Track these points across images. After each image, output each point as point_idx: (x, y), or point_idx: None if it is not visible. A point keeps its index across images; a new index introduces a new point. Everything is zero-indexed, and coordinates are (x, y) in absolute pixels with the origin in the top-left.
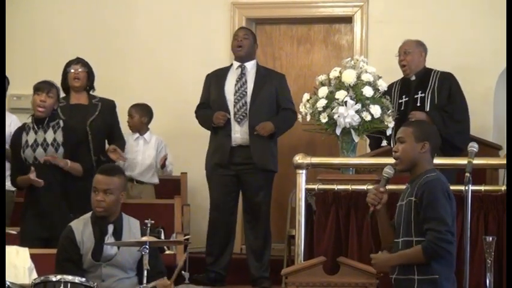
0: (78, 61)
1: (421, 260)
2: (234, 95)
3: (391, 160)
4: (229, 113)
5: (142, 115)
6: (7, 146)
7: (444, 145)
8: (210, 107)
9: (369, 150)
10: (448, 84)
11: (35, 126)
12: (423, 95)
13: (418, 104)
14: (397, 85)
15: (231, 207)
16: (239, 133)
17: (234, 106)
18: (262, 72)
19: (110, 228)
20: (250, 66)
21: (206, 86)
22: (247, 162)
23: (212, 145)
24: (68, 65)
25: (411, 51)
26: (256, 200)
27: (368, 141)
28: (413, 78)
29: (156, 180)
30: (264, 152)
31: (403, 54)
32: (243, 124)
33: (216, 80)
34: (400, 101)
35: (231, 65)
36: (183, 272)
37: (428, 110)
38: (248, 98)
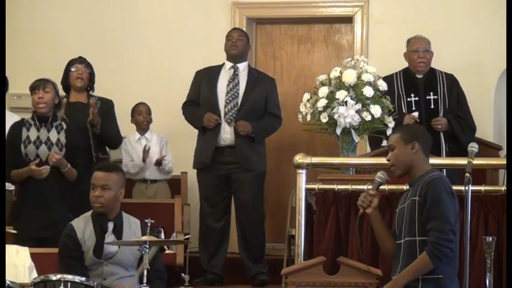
0: (82, 61)
1: (428, 265)
2: (226, 96)
3: None
4: (219, 113)
5: (150, 113)
6: None
7: (458, 149)
8: (199, 105)
9: (369, 149)
10: (456, 87)
11: (37, 123)
12: (436, 97)
13: (432, 106)
14: (400, 79)
15: (223, 206)
16: (229, 134)
17: (225, 107)
18: (254, 75)
19: (110, 225)
20: (243, 67)
21: (196, 82)
22: (236, 162)
23: (199, 144)
24: (71, 63)
25: (429, 50)
26: (246, 199)
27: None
28: (420, 76)
29: (168, 176)
30: (249, 152)
31: (424, 52)
32: (232, 125)
33: (207, 78)
34: (409, 99)
35: (223, 64)
36: (182, 274)
37: (442, 113)
38: (239, 100)
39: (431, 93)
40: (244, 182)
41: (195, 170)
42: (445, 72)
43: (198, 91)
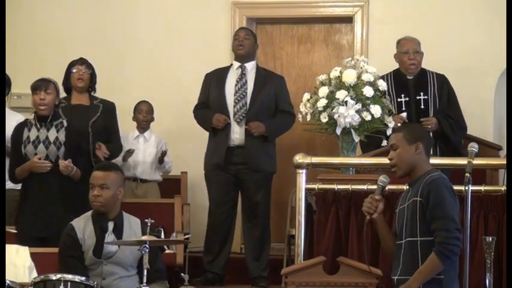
0: (83, 62)
1: (438, 265)
2: (234, 96)
3: None
4: (228, 113)
5: (151, 112)
6: (8, 143)
7: (448, 149)
8: (209, 107)
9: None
10: (447, 87)
11: (38, 124)
12: (426, 97)
13: (422, 106)
14: (390, 81)
15: (230, 207)
16: (238, 134)
17: (234, 106)
18: (262, 74)
19: (110, 225)
20: (251, 66)
21: (205, 85)
22: (245, 162)
23: (211, 145)
24: (72, 65)
25: (419, 51)
26: (254, 200)
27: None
28: (410, 77)
29: (159, 177)
30: (260, 152)
31: (414, 53)
32: (242, 125)
33: (216, 79)
34: (399, 100)
35: (231, 65)
36: (182, 274)
37: (432, 113)
38: (248, 99)
39: (422, 94)
40: (253, 182)
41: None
42: (435, 73)
43: (207, 93)
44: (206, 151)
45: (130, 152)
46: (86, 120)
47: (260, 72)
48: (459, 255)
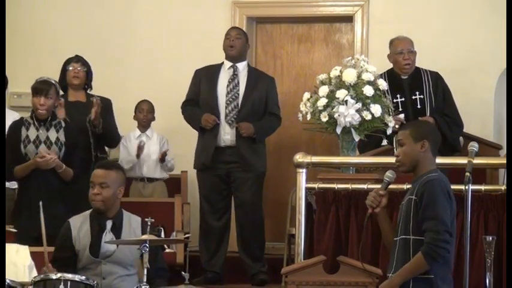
0: (78, 59)
1: (424, 265)
2: (226, 97)
3: (392, 159)
4: (219, 114)
5: (152, 112)
6: None
7: (446, 148)
8: (198, 104)
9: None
10: (441, 85)
11: (36, 123)
12: (422, 96)
13: (418, 106)
14: (385, 81)
15: (223, 206)
16: (229, 135)
17: (226, 108)
18: (253, 74)
19: (109, 224)
20: (242, 67)
21: (195, 81)
22: (237, 161)
23: (200, 144)
24: (67, 62)
25: (413, 50)
26: (245, 199)
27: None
28: (405, 77)
29: (165, 175)
30: (250, 153)
31: (408, 53)
32: (233, 126)
33: (207, 78)
34: (395, 100)
35: (222, 63)
36: (182, 272)
37: (429, 112)
38: (239, 101)
39: (417, 93)
40: (244, 181)
41: (195, 169)
42: (429, 70)
43: (197, 91)
44: (196, 149)
45: (142, 146)
46: (84, 117)
47: (252, 72)
48: (446, 257)
